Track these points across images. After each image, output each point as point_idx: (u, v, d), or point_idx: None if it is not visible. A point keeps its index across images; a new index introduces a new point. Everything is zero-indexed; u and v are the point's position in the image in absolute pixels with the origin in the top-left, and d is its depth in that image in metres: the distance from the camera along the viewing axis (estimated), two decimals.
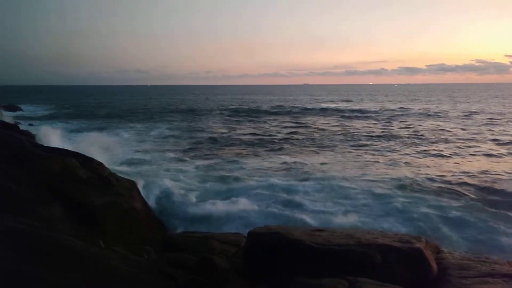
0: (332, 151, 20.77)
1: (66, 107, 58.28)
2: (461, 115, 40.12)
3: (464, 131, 27.54)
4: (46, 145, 10.54)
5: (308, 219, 10.27)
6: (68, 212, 8.10)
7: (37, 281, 3.14)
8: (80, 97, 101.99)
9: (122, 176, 12.32)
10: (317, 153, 20.49)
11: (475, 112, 42.52)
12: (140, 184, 12.24)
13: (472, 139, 23.82)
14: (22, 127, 25.31)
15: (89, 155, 11.47)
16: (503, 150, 20.05)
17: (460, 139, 24.05)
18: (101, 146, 11.59)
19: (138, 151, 20.45)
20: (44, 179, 9.06)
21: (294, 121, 37.59)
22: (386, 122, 35.53)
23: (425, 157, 18.79)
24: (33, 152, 10.71)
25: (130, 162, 17.41)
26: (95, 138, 12.61)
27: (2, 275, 3.15)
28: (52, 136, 11.82)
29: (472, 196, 12.29)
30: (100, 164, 12.11)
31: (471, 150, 20.18)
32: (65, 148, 14.94)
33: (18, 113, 46.48)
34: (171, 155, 19.89)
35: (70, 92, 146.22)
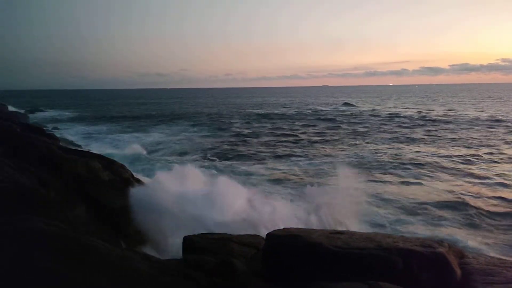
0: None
1: (90, 111, 59.85)
2: None
3: None
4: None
5: None
6: (93, 213, 8.32)
7: (65, 282, 3.26)
8: (103, 101, 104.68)
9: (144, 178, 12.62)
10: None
11: None
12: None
13: None
14: (47, 130, 26.24)
15: None
16: None
17: None
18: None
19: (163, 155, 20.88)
20: (69, 182, 9.35)
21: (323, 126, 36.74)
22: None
23: None
24: (59, 155, 11.04)
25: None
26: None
27: (36, 273, 3.29)
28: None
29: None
30: (122, 166, 12.40)
31: None
32: (88, 151, 15.39)
33: (43, 116, 48.05)
34: (194, 157, 20.28)
35: (93, 96, 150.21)
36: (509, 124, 32.30)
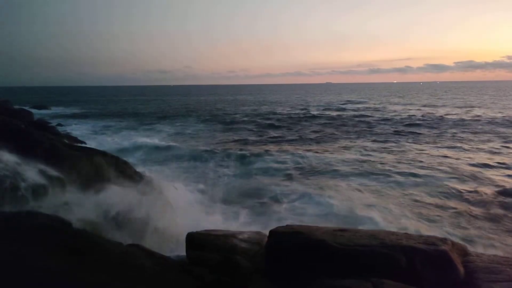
0: None
1: (94, 107, 60.03)
2: None
3: None
4: None
5: None
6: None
7: (69, 278, 3.27)
8: (107, 97, 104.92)
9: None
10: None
11: None
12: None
13: None
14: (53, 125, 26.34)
15: None
16: None
17: None
18: None
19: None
20: (74, 178, 9.39)
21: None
22: None
23: None
24: (64, 151, 11.10)
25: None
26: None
27: (37, 272, 3.31)
28: None
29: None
30: (125, 162, 12.45)
31: None
32: (92, 147, 15.46)
33: (47, 113, 48.24)
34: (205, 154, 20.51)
35: (96, 93, 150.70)
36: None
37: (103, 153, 12.41)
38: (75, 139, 21.76)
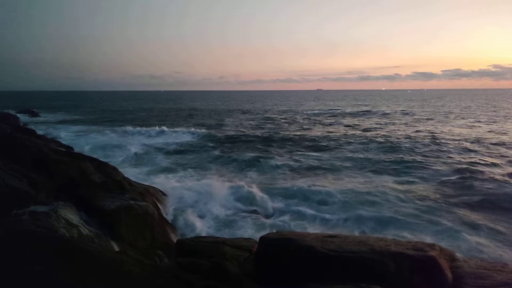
0: None
1: (82, 112, 59.46)
2: None
3: None
4: None
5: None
6: (84, 216, 8.25)
7: (57, 284, 3.22)
8: (96, 102, 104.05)
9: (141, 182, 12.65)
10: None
11: None
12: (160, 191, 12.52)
13: None
14: (40, 131, 26.01)
15: None
16: None
17: None
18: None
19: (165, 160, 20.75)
20: (61, 183, 9.26)
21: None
22: None
23: None
24: (51, 156, 10.95)
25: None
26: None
27: (24, 278, 3.25)
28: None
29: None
30: (114, 168, 12.31)
31: None
32: (80, 153, 15.30)
33: (35, 118, 47.62)
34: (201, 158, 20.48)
35: (85, 98, 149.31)
36: None
37: (91, 159, 12.28)
38: (63, 145, 21.49)
